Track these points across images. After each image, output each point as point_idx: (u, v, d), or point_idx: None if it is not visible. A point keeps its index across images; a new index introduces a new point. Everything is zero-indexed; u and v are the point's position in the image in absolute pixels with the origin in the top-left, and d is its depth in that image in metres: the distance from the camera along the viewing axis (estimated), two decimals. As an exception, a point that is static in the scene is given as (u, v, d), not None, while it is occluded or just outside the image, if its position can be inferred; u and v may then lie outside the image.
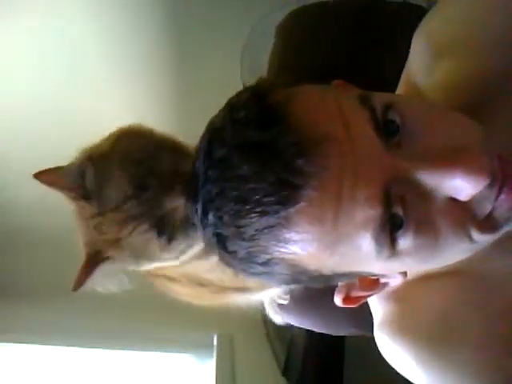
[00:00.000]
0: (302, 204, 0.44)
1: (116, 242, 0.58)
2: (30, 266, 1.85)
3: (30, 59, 1.74)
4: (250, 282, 0.72)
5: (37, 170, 0.58)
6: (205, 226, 0.50)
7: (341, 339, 1.52)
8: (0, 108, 1.75)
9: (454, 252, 0.50)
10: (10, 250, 1.80)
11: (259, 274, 0.51)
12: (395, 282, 0.57)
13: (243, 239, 0.47)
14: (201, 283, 0.73)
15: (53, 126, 1.79)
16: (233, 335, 1.90)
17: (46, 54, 1.75)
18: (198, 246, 0.64)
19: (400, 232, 0.46)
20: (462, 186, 0.45)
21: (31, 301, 1.73)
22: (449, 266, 0.57)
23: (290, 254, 0.47)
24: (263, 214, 0.45)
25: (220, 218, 0.47)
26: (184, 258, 0.65)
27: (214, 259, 0.63)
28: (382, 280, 0.57)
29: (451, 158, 0.45)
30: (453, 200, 0.46)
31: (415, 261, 0.49)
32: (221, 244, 0.49)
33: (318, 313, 0.93)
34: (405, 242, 0.46)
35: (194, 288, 0.73)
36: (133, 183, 0.56)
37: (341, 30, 0.65)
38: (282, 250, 0.47)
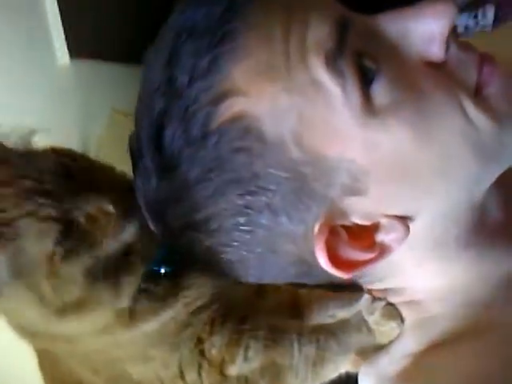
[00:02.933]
0: (242, 9, 0.39)
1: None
2: None
3: None
4: None
5: None
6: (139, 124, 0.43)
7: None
8: None
9: (451, 132, 0.41)
10: None
11: (206, 173, 0.40)
12: (395, 239, 0.44)
13: (179, 94, 0.40)
14: None
15: None
16: None
17: None
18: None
19: (373, 84, 0.40)
20: (429, 28, 0.41)
21: None
22: (464, 321, 0.47)
23: (236, 94, 0.39)
24: (200, 34, 0.39)
25: (155, 90, 0.41)
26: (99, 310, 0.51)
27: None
28: (379, 237, 0.44)
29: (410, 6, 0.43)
30: (430, 64, 0.42)
31: (402, 126, 0.40)
32: (159, 135, 0.41)
33: None
34: (380, 91, 0.40)
35: None
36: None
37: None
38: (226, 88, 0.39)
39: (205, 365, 0.53)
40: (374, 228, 0.43)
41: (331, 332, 0.55)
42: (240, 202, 0.41)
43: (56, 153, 0.49)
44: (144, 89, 0.44)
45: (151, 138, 0.42)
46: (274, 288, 0.61)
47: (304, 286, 0.67)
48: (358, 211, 0.42)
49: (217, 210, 0.42)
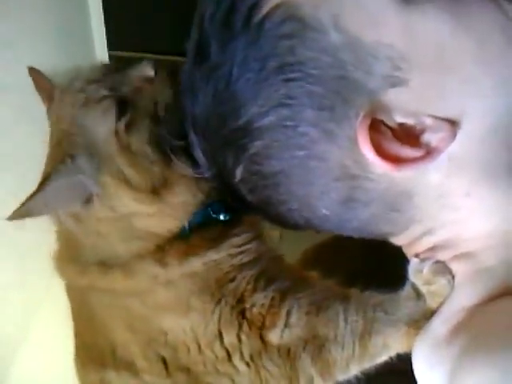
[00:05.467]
0: None
1: (73, 120, 0.52)
2: None
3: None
4: (238, 353, 0.53)
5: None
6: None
7: None
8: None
9: (488, 21, 0.41)
10: None
11: (249, 54, 0.43)
12: (441, 139, 0.42)
13: None
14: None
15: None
16: None
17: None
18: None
19: None
20: None
21: None
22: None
23: None
24: None
25: None
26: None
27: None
28: (424, 137, 0.42)
29: None
30: None
31: (439, 11, 0.40)
32: (204, 38, 0.45)
33: None
34: None
35: None
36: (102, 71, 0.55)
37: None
38: None
39: (245, 327, 0.51)
40: (420, 129, 0.43)
41: (379, 301, 0.52)
42: (283, 90, 0.42)
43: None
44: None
45: (197, 43, 0.46)
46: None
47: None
48: (401, 107, 0.42)
49: (259, 104, 0.43)
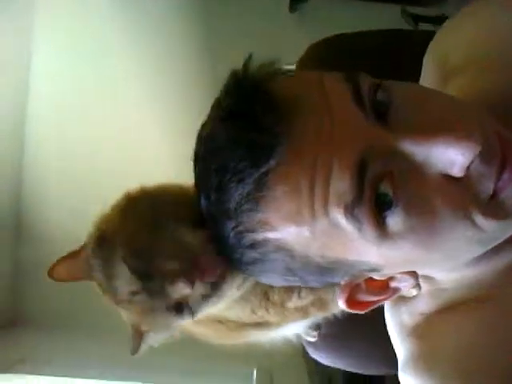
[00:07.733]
0: (275, 166, 0.44)
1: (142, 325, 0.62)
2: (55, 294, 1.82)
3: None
4: (269, 315, 0.73)
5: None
6: (203, 213, 0.52)
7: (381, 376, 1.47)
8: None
9: (458, 239, 0.46)
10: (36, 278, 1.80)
11: (254, 263, 0.51)
12: (406, 286, 0.54)
13: (229, 217, 0.48)
14: (218, 320, 0.74)
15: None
16: (272, 370, 1.89)
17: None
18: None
19: (389, 211, 0.44)
20: (451, 157, 0.43)
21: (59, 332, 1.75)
22: (469, 294, 0.56)
23: (272, 229, 0.47)
24: (240, 180, 0.45)
25: (208, 198, 0.49)
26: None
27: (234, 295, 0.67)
28: (392, 284, 0.54)
29: (437, 127, 0.44)
30: (448, 178, 0.44)
31: (414, 246, 0.46)
32: (215, 228, 0.51)
33: (350, 353, 0.94)
34: (395, 221, 0.44)
35: (211, 326, 0.74)
36: (137, 277, 0.57)
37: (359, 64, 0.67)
38: (264, 223, 0.47)
39: (269, 305, 0.72)
40: (389, 278, 0.54)
41: None
42: (280, 279, 0.54)
43: (125, 262, 0.57)
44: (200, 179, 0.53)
45: (214, 231, 0.52)
46: None
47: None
48: (376, 274, 0.53)
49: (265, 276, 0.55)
